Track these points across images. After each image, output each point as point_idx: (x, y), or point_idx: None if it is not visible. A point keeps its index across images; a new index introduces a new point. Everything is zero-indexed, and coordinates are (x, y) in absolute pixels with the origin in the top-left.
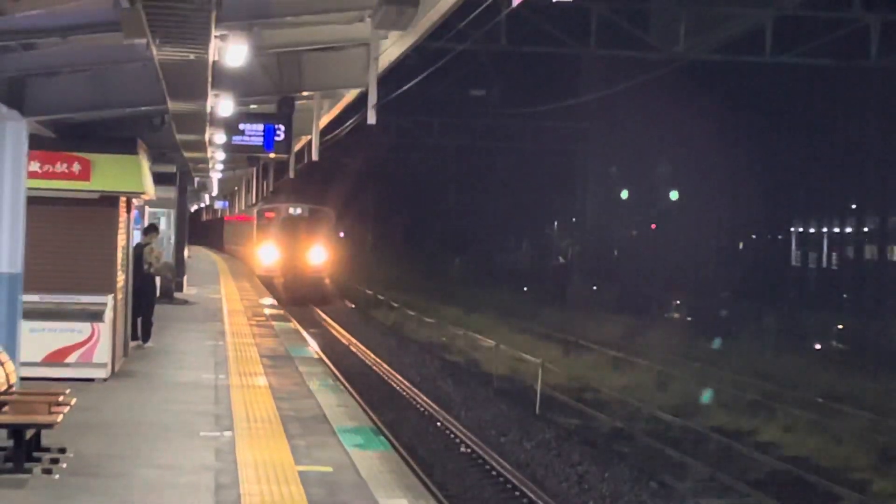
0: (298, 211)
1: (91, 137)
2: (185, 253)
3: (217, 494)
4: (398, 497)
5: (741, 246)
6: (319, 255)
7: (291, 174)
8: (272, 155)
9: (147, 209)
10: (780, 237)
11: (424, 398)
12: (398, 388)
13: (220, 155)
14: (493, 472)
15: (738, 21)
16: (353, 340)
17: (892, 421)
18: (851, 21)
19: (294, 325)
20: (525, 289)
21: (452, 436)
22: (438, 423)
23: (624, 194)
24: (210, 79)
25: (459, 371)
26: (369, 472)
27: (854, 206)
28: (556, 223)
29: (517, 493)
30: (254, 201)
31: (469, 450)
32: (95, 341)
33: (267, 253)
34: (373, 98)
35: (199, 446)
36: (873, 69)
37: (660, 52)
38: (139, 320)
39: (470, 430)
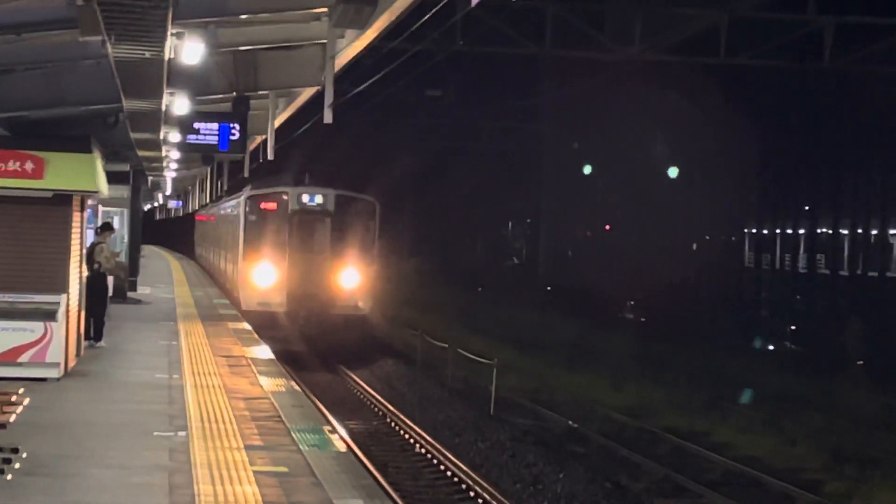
0: (318, 199)
1: (45, 136)
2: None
3: (171, 495)
4: (353, 497)
5: (695, 247)
6: (354, 277)
7: (246, 174)
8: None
9: (100, 208)
10: (733, 238)
11: None
12: None
13: (175, 154)
14: (448, 472)
15: (694, 22)
16: None
17: (844, 422)
18: (806, 23)
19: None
20: (480, 289)
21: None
22: None
23: (574, 193)
24: (165, 77)
25: None
26: (325, 472)
27: (807, 208)
28: (510, 224)
29: (472, 494)
30: (230, 185)
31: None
32: (48, 341)
33: (263, 274)
34: (329, 97)
35: (153, 446)
36: (827, 71)
37: (615, 52)
38: (91, 320)
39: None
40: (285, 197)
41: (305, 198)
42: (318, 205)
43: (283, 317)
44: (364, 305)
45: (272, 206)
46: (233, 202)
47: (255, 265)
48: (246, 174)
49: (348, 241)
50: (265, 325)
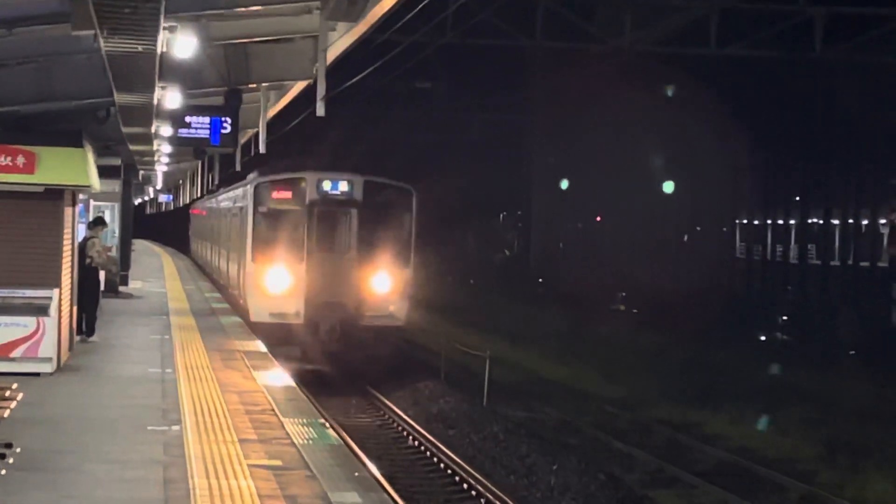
0: (342, 187)
1: (36, 130)
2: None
3: (166, 489)
4: (348, 490)
5: (686, 238)
6: (386, 281)
7: (238, 167)
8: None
9: (91, 202)
10: (724, 229)
11: None
12: None
13: (167, 148)
14: (442, 465)
15: (684, 13)
16: None
17: (837, 412)
18: (796, 13)
19: None
20: (471, 281)
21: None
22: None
23: (565, 185)
24: (157, 71)
25: None
26: (319, 465)
27: (798, 198)
28: (501, 216)
29: (465, 486)
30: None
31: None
32: (41, 335)
33: (276, 278)
34: (321, 90)
35: (147, 440)
36: (818, 61)
37: (605, 44)
38: (83, 314)
39: None
40: (303, 184)
41: (327, 185)
42: (343, 193)
43: (300, 330)
44: (399, 313)
45: (286, 195)
46: (237, 191)
47: (265, 267)
48: (238, 168)
49: (379, 237)
50: (280, 339)
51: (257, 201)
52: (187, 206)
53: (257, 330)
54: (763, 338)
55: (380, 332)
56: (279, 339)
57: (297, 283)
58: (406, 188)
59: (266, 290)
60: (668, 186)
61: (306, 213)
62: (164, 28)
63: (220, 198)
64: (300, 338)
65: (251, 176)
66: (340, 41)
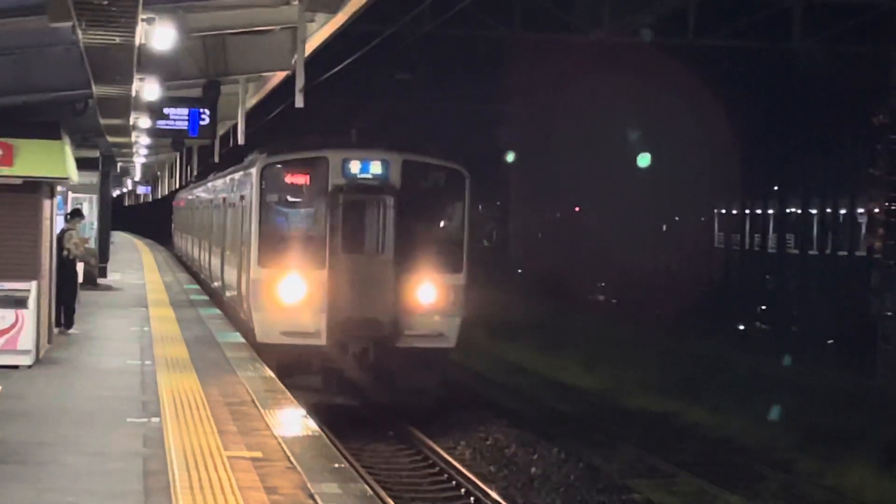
0: (375, 168)
1: (13, 122)
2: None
3: (146, 481)
4: (328, 481)
5: (664, 228)
6: (431, 290)
7: (216, 159)
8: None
9: (70, 194)
10: (703, 219)
11: None
12: None
13: (145, 139)
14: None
15: (662, 3)
16: None
17: (815, 401)
18: (774, 3)
19: None
20: None
21: None
22: None
23: (545, 176)
24: (136, 62)
25: None
26: (299, 456)
27: (776, 188)
28: (480, 206)
29: (445, 477)
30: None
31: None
32: (20, 328)
33: (290, 287)
34: (300, 81)
35: (127, 433)
36: (796, 51)
37: (584, 34)
38: (61, 307)
39: None
40: (324, 165)
41: (355, 166)
42: (375, 176)
43: (323, 353)
44: (449, 332)
45: (303, 179)
46: (236, 176)
47: (276, 273)
48: (216, 159)
49: (423, 233)
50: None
51: (265, 188)
52: (166, 198)
53: (265, 354)
54: (741, 327)
55: (426, 357)
56: (294, 365)
57: (318, 294)
58: (457, 169)
59: (277, 302)
60: (644, 160)
61: (329, 202)
62: (142, 19)
63: (214, 185)
64: (322, 364)
65: (253, 156)
66: (319, 32)
